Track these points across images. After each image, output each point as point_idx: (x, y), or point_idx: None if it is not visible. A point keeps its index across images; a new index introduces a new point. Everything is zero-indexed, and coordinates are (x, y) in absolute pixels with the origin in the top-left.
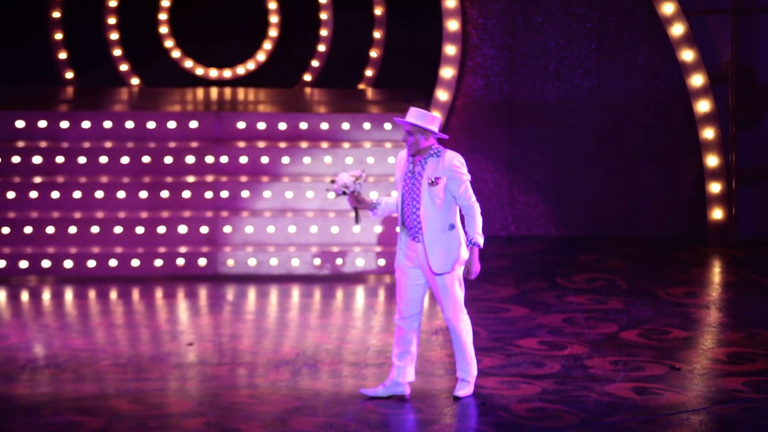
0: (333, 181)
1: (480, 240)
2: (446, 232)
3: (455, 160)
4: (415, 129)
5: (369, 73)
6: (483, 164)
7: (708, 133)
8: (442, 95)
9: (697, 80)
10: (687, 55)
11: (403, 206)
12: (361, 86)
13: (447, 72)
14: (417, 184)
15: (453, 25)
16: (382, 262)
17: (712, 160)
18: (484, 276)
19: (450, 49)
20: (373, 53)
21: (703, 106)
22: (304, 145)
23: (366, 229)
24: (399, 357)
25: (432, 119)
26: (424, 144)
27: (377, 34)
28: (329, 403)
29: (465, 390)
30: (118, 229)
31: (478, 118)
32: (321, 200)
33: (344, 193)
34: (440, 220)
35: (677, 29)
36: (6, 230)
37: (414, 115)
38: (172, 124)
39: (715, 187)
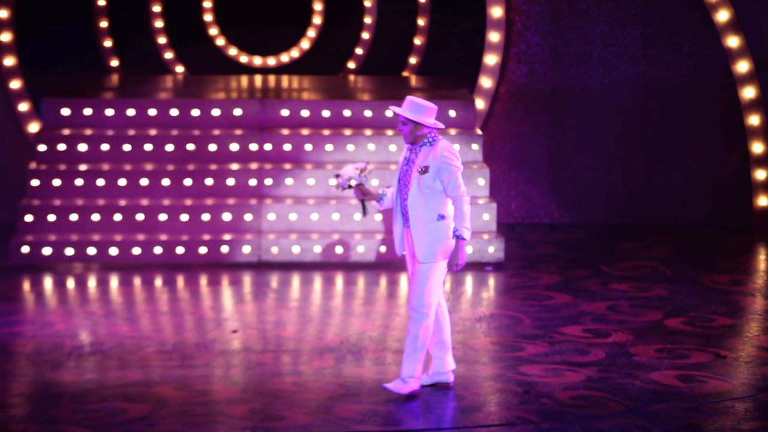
0: (338, 175)
1: (465, 233)
2: (434, 222)
3: (446, 149)
4: (408, 120)
5: (413, 60)
6: (526, 151)
7: (753, 120)
8: (486, 82)
9: (742, 66)
10: (732, 41)
11: (398, 193)
12: (405, 73)
13: (491, 59)
14: (409, 172)
15: (497, 11)
16: None
17: (757, 147)
18: (528, 263)
19: (494, 36)
20: (417, 40)
21: (748, 92)
22: (347, 132)
23: None
24: (433, 347)
25: (426, 110)
26: (420, 132)
27: (421, 22)
28: (373, 390)
29: (396, 386)
30: (162, 217)
31: (521, 105)
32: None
33: (350, 186)
34: (427, 209)
35: (722, 15)
36: (52, 218)
37: (409, 106)
38: (216, 112)
39: (760, 174)
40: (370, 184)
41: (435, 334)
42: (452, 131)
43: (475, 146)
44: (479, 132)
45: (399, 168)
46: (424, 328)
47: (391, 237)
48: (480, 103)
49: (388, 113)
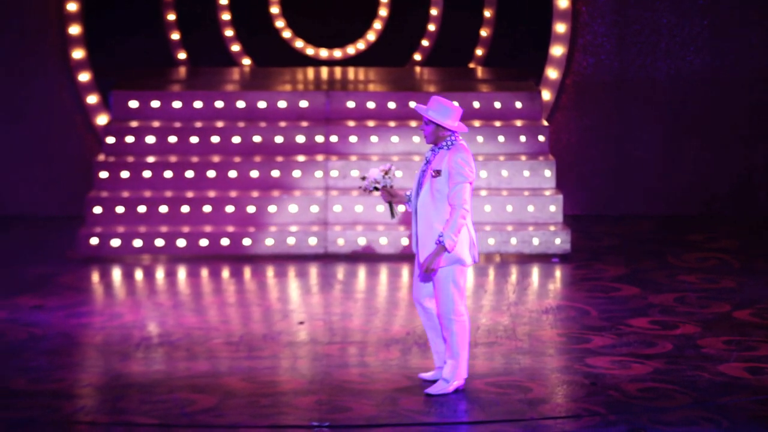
0: (363, 178)
1: (448, 243)
2: (441, 225)
3: (460, 156)
4: (431, 120)
5: (479, 51)
6: (592, 143)
7: None
8: (552, 73)
9: None
10: None
11: (414, 193)
12: (471, 65)
13: (557, 50)
14: (426, 173)
15: (563, 2)
16: (491, 240)
17: None
18: (595, 254)
19: (560, 27)
20: (483, 32)
21: None
22: (413, 124)
23: (476, 209)
24: (433, 345)
25: (451, 112)
26: (442, 133)
27: (487, 13)
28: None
29: (438, 388)
30: (229, 209)
31: (587, 96)
32: None
33: (375, 189)
34: (436, 212)
35: None
36: (120, 210)
37: (434, 106)
38: (282, 104)
39: None
40: (395, 182)
41: (433, 330)
42: (518, 122)
43: (541, 137)
44: (545, 123)
45: (420, 168)
46: (458, 332)
47: None
48: (546, 95)
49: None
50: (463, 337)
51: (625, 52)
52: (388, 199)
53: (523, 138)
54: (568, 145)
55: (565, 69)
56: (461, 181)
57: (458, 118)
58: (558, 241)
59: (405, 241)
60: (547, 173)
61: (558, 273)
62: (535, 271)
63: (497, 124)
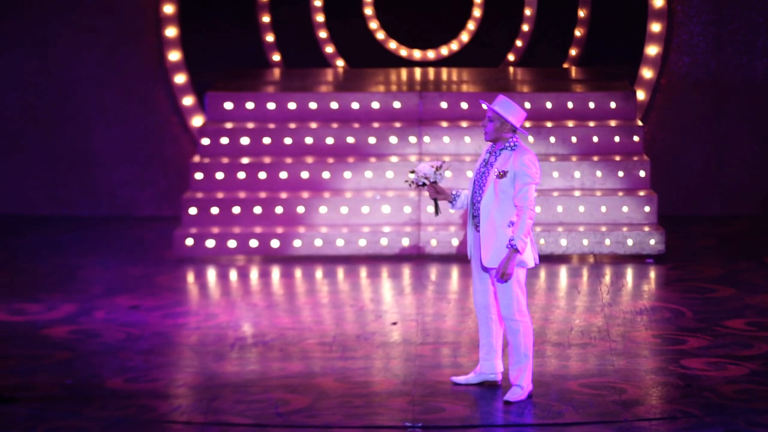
0: (413, 172)
1: (520, 244)
2: (505, 228)
3: (526, 158)
4: (496, 117)
5: (573, 51)
6: (688, 143)
7: None
8: (647, 73)
9: None
10: None
11: (472, 195)
12: (565, 65)
13: (652, 50)
14: (486, 174)
15: (658, 1)
16: (585, 241)
17: None
18: (690, 255)
19: (655, 27)
20: (577, 32)
21: None
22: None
23: (570, 210)
24: (480, 348)
25: (517, 112)
26: (503, 134)
27: (581, 13)
28: (533, 382)
29: (516, 395)
30: (323, 209)
31: (683, 96)
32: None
33: (424, 184)
34: (500, 214)
35: None
36: (215, 210)
37: (500, 103)
38: (375, 105)
39: None
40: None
41: (484, 336)
42: (612, 122)
43: (635, 138)
44: (640, 123)
45: (475, 170)
46: (523, 334)
47: (550, 229)
48: (641, 94)
49: (591, 105)
50: (529, 339)
51: (721, 52)
52: (434, 195)
53: (617, 138)
54: (664, 145)
55: (660, 68)
56: (528, 182)
57: (522, 119)
58: (652, 241)
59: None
60: (642, 173)
61: (652, 274)
62: (630, 272)
63: (591, 124)
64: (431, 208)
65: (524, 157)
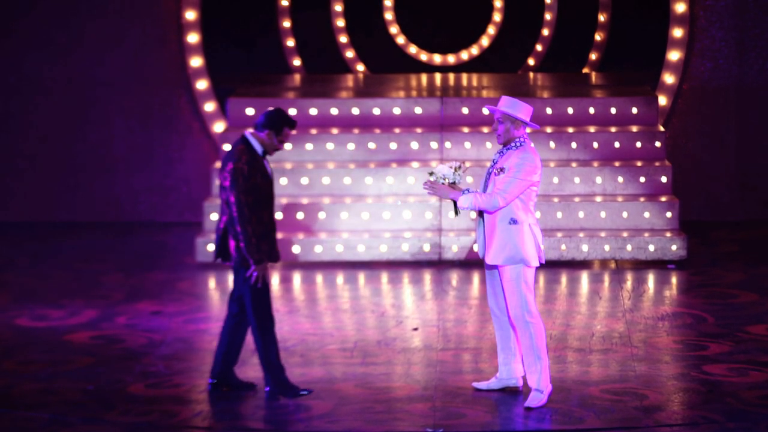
0: (431, 173)
1: (464, 202)
2: (506, 225)
3: (523, 156)
4: (505, 117)
5: (593, 56)
6: (710, 148)
7: None
8: (669, 78)
9: None
10: None
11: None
12: (586, 70)
13: (674, 55)
14: (492, 172)
15: (680, 7)
16: (607, 247)
17: None
18: (712, 260)
19: (677, 32)
20: (598, 36)
21: None
22: (527, 130)
23: (591, 215)
24: (499, 354)
25: (523, 108)
26: (514, 134)
27: (602, 17)
28: (554, 388)
29: (536, 400)
30: (344, 215)
31: (705, 101)
32: (544, 185)
33: (442, 184)
34: (500, 211)
35: None
36: None
37: (505, 103)
38: (397, 110)
39: None
40: (465, 182)
41: (502, 341)
42: (633, 128)
43: (657, 143)
44: (661, 129)
45: (486, 170)
46: (534, 334)
47: (571, 235)
48: (662, 100)
49: (613, 110)
50: (542, 339)
51: (744, 57)
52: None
53: (639, 144)
54: (685, 151)
55: (682, 74)
56: (514, 175)
57: (530, 113)
58: (674, 247)
59: None
60: (664, 179)
61: (674, 279)
62: (651, 278)
63: (613, 129)
64: (452, 214)
65: (522, 155)
